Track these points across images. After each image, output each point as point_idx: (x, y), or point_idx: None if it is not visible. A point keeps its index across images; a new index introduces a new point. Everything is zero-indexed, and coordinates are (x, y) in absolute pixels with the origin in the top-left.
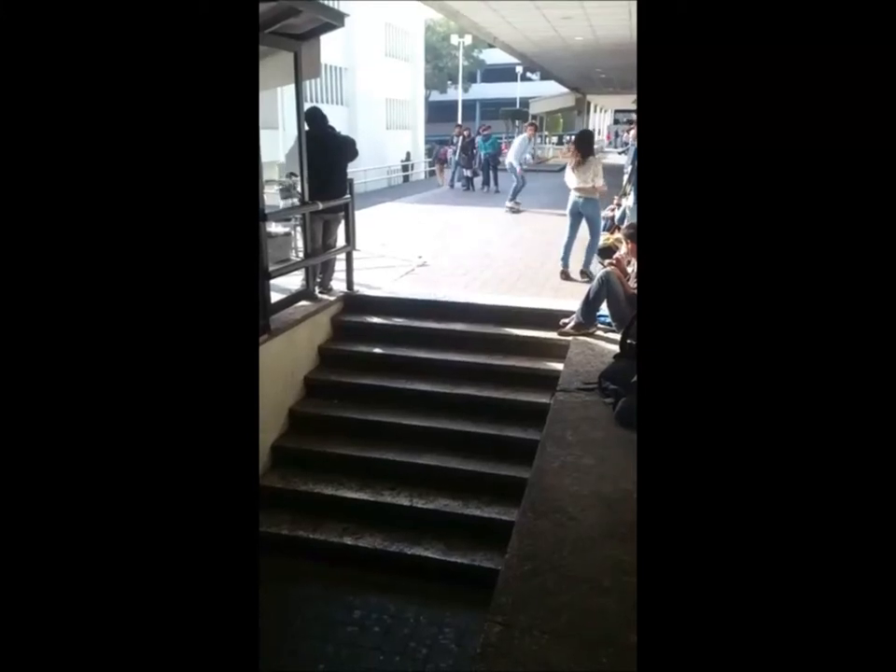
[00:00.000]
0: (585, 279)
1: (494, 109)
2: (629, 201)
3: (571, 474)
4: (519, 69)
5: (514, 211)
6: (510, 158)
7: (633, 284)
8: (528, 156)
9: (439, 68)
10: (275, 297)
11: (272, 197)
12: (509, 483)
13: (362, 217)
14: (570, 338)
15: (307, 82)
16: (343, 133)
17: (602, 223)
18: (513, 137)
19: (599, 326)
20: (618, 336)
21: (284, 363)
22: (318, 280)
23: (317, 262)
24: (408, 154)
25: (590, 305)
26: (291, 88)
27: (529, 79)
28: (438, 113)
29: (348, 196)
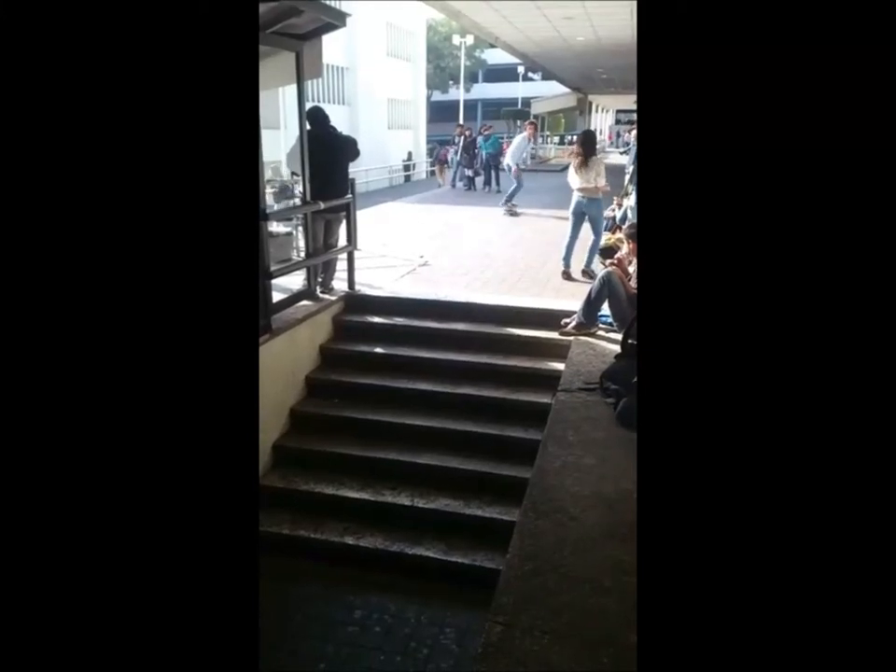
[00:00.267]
0: (587, 279)
1: (495, 109)
2: (631, 200)
3: (572, 474)
4: (521, 69)
5: (511, 214)
6: (507, 159)
7: (634, 284)
8: (526, 156)
9: (440, 68)
10: (277, 296)
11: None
12: (510, 483)
13: (364, 216)
14: (572, 338)
15: (309, 82)
16: (345, 132)
17: (603, 223)
18: (515, 137)
19: (601, 326)
20: (619, 336)
21: (285, 363)
22: (320, 280)
23: (319, 262)
24: (409, 154)
25: (591, 305)
26: (293, 88)
27: (531, 79)
28: (439, 113)
29: (350, 196)
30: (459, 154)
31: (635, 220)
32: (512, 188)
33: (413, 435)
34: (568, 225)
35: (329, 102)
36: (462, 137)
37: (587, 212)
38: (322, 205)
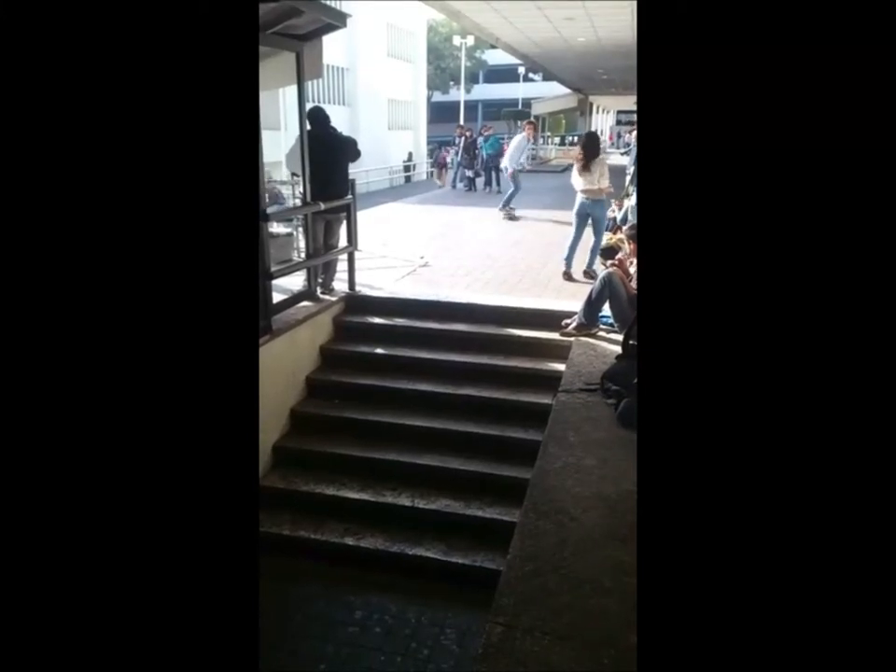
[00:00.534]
0: (588, 279)
1: (496, 110)
2: (632, 201)
3: (573, 475)
4: (521, 70)
5: (509, 218)
6: (504, 161)
7: (635, 284)
8: (524, 159)
9: (441, 69)
10: (277, 297)
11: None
12: (510, 483)
13: (364, 217)
14: (572, 339)
15: (309, 83)
16: (346, 133)
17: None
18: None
19: (601, 326)
20: (620, 337)
21: (285, 363)
22: (320, 280)
23: (319, 263)
24: (410, 154)
25: (592, 306)
26: (293, 88)
27: (532, 80)
28: (440, 114)
29: (350, 196)
30: (460, 155)
31: (635, 221)
32: (510, 191)
33: (413, 436)
34: (572, 226)
35: (329, 102)
36: (462, 138)
37: (591, 213)
38: (322, 206)
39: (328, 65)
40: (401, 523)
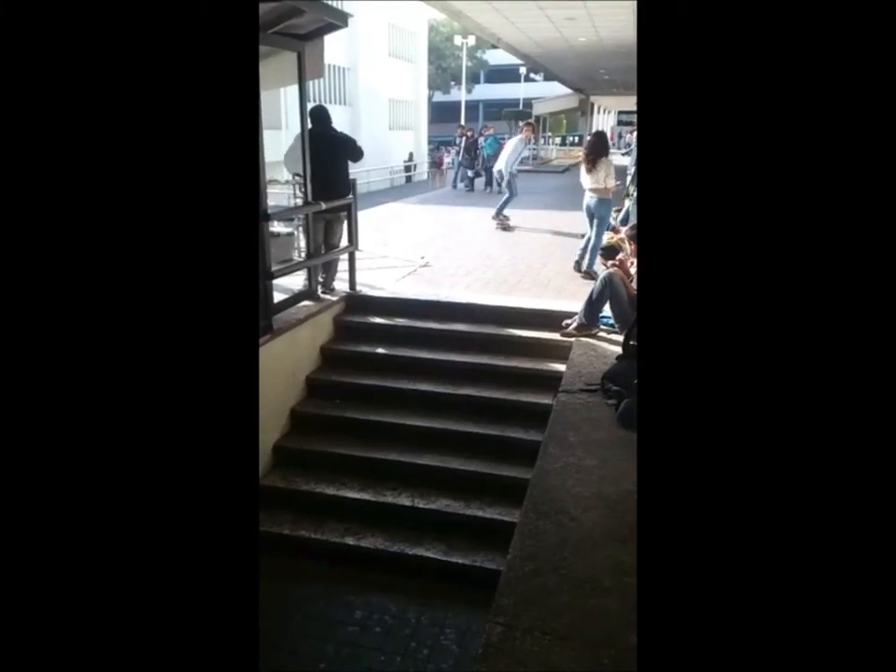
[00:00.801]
0: (589, 279)
1: (497, 110)
2: (632, 201)
3: (573, 475)
4: (522, 70)
5: (504, 228)
6: (499, 164)
7: (636, 285)
8: (516, 161)
9: (442, 69)
10: (278, 297)
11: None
12: (510, 483)
13: (365, 217)
14: (573, 339)
15: (310, 82)
16: (347, 133)
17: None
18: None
19: (602, 327)
20: (621, 337)
21: (286, 363)
22: (321, 280)
23: (319, 262)
24: (410, 154)
25: (593, 306)
26: (295, 88)
27: (533, 80)
28: (441, 114)
29: (351, 196)
30: (461, 155)
31: (636, 221)
32: (504, 198)
33: (413, 436)
34: (585, 224)
35: (330, 102)
36: (463, 138)
37: (595, 212)
38: (324, 206)
39: (329, 65)
40: (401, 523)
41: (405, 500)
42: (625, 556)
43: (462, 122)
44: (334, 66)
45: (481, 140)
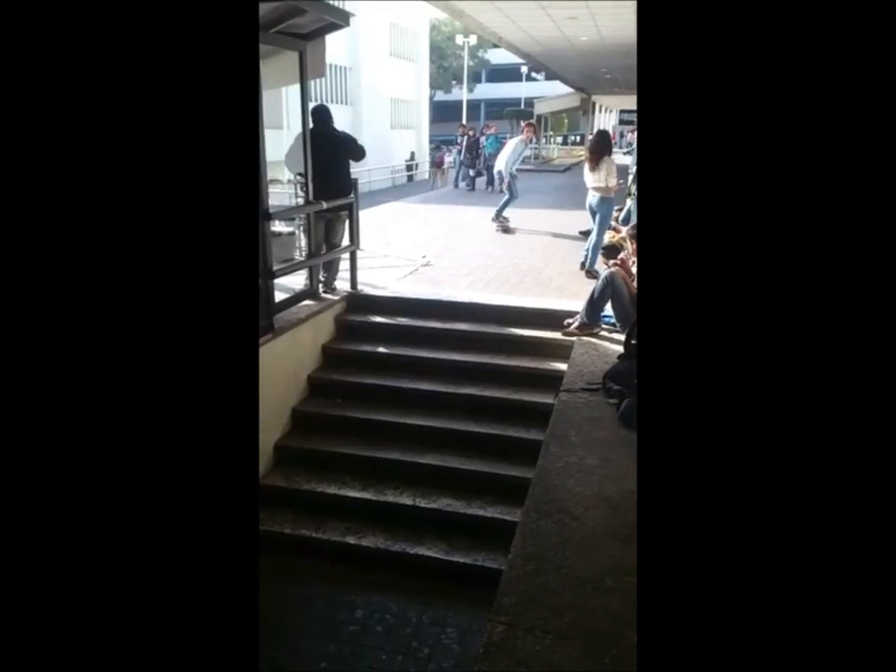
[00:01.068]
0: (590, 278)
1: (498, 109)
2: (633, 200)
3: (575, 475)
4: (524, 69)
5: (504, 230)
6: (499, 165)
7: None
8: (516, 169)
9: (443, 68)
10: (279, 296)
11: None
12: (512, 483)
13: (366, 216)
14: (574, 338)
15: (312, 82)
16: (348, 132)
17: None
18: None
19: (603, 326)
20: (622, 336)
21: (287, 362)
22: (322, 279)
23: (321, 262)
24: (412, 154)
25: (594, 305)
26: (296, 87)
27: (534, 79)
28: (442, 113)
29: (352, 196)
30: (462, 154)
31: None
32: (504, 199)
33: (415, 435)
34: (589, 222)
35: (332, 101)
36: (465, 137)
37: (597, 210)
38: (325, 205)
39: (330, 64)
40: (403, 522)
41: (406, 499)
42: (627, 556)
43: (464, 121)
44: (336, 66)
45: (482, 139)
